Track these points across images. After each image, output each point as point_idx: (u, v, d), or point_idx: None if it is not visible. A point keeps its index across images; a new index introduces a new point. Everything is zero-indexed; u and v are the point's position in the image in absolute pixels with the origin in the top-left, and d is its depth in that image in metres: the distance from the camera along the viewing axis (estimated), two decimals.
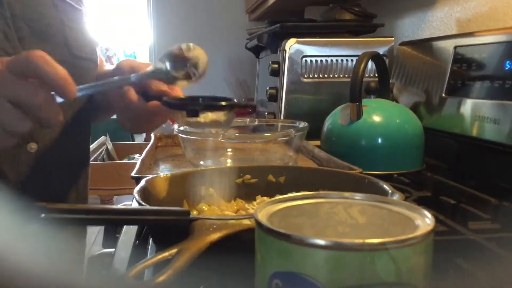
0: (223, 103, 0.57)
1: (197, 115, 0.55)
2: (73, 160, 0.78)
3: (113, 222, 0.60)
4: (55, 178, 0.72)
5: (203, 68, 0.59)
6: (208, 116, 0.56)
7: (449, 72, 0.98)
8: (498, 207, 0.67)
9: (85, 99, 0.77)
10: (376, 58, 1.00)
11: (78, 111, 0.76)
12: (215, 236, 0.39)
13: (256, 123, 0.99)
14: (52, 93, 0.49)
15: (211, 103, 0.57)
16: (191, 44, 0.59)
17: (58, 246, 0.61)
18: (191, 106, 0.56)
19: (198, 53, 0.58)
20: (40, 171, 0.68)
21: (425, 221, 0.29)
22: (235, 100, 0.58)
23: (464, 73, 0.93)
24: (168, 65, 0.58)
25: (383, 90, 1.01)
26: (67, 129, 0.74)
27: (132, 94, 0.61)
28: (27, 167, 0.67)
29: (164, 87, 0.60)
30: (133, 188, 0.54)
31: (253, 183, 0.66)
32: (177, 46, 0.59)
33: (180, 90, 0.62)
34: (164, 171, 0.86)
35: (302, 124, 0.87)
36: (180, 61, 0.58)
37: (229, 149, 0.84)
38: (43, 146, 0.68)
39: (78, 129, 0.78)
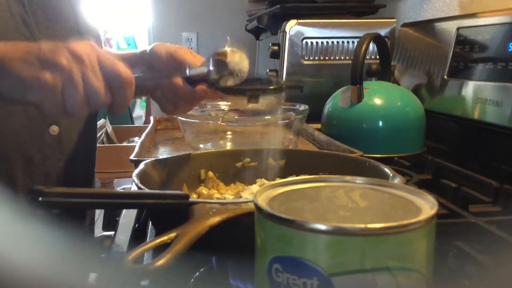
0: (277, 86, 0.58)
1: (257, 101, 0.56)
2: (88, 141, 0.80)
3: (111, 206, 0.60)
4: (74, 160, 0.74)
5: (242, 73, 0.60)
6: (264, 101, 0.57)
7: (451, 54, 0.97)
8: (499, 190, 0.67)
9: None
10: (378, 39, 0.99)
11: None
12: (215, 219, 0.39)
13: None
14: None
15: (267, 87, 0.58)
16: (232, 50, 0.61)
17: (61, 232, 0.62)
18: (252, 92, 0.57)
19: (238, 58, 0.60)
20: (62, 153, 0.71)
21: (427, 205, 0.28)
22: (281, 81, 0.60)
23: (467, 55, 0.92)
24: (211, 66, 0.61)
25: (384, 73, 1.00)
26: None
27: (179, 80, 0.63)
28: (51, 150, 0.70)
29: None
30: (133, 171, 0.54)
31: (253, 167, 0.65)
32: (221, 50, 0.61)
33: None
34: (163, 154, 0.85)
35: (303, 107, 0.86)
36: (223, 63, 0.60)
37: (229, 132, 0.84)
38: (64, 129, 0.71)
39: (92, 113, 0.79)
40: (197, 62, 0.64)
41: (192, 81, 0.62)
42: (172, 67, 0.64)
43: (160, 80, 0.65)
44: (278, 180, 0.34)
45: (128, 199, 0.43)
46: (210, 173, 0.63)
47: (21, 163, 0.67)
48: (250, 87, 0.58)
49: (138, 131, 2.14)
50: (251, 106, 0.57)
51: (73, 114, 0.51)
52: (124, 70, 0.52)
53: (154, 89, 0.67)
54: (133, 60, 0.72)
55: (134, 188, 0.53)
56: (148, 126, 1.00)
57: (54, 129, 0.69)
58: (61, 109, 0.50)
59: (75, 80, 0.48)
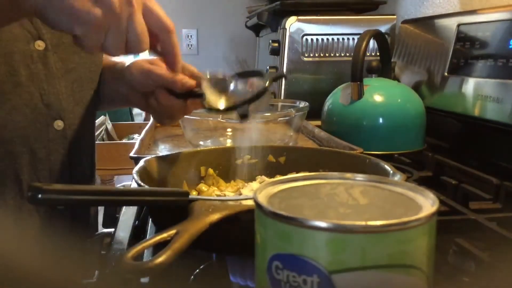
0: (261, 90, 0.57)
1: (247, 118, 0.56)
2: (89, 136, 0.80)
3: (111, 203, 0.59)
4: (77, 155, 0.74)
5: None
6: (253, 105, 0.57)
7: (451, 50, 0.97)
8: (499, 187, 0.67)
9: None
10: (378, 36, 0.99)
11: (96, 90, 0.77)
12: (215, 217, 0.39)
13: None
14: None
15: (253, 96, 0.57)
16: (209, 79, 0.62)
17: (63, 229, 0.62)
18: (241, 110, 0.56)
19: (215, 91, 0.61)
20: (65, 148, 0.71)
21: (428, 202, 0.28)
22: (265, 72, 0.59)
23: (467, 52, 0.92)
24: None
25: (384, 69, 0.99)
26: (87, 108, 0.76)
27: (166, 98, 0.62)
28: (55, 145, 0.69)
29: (191, 82, 0.61)
30: (133, 168, 0.54)
31: (253, 164, 0.65)
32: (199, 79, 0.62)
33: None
34: (163, 151, 0.85)
35: (303, 104, 0.86)
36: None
37: (228, 129, 0.84)
38: (68, 124, 0.70)
39: (94, 109, 0.80)
40: (175, 76, 0.62)
41: (180, 95, 0.62)
42: (151, 85, 0.63)
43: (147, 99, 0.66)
44: (278, 177, 0.34)
45: (128, 196, 0.43)
46: (210, 170, 0.63)
47: (26, 158, 0.67)
48: (238, 104, 0.57)
49: (138, 128, 2.14)
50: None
51: (109, 53, 0.52)
52: (168, 19, 0.53)
53: (145, 108, 0.68)
54: (116, 74, 0.73)
55: (134, 185, 0.53)
56: (148, 123, 0.99)
57: (59, 123, 0.69)
58: (99, 46, 0.50)
59: (121, 24, 0.49)
